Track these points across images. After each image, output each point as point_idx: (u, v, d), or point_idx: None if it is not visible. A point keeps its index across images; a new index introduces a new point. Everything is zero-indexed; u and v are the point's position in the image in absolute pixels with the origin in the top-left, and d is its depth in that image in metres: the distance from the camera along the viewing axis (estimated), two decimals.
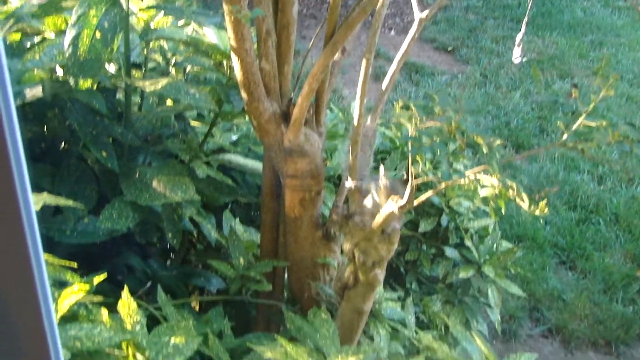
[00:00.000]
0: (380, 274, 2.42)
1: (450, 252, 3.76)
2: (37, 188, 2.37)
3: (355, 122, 2.28)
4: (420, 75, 8.66)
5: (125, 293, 2.11)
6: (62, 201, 2.00)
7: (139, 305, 2.53)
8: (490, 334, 5.24)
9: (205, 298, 3.15)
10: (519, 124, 7.72)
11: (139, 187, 2.62)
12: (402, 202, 2.06)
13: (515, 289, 3.82)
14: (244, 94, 2.46)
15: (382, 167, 2.24)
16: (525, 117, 7.86)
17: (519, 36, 6.54)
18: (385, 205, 2.16)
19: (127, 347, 1.95)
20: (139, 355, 1.94)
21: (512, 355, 2.20)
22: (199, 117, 3.55)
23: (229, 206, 3.63)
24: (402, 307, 3.52)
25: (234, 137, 3.48)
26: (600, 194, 6.75)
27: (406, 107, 2.00)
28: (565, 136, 1.90)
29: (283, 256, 2.90)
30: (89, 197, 2.66)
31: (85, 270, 2.19)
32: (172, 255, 3.35)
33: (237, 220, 3.26)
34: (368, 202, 2.29)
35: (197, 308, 3.27)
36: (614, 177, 7.03)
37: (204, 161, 3.05)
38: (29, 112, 2.72)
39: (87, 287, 1.91)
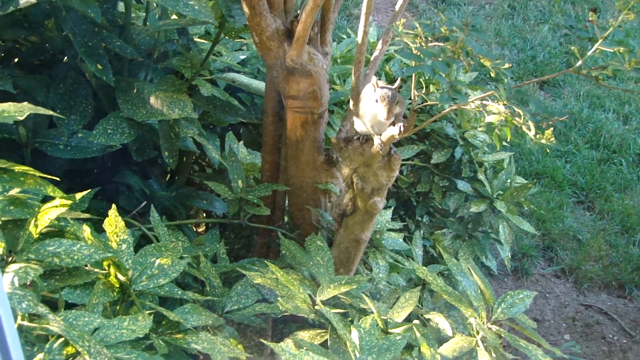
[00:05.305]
0: (380, 202, 2.32)
1: (462, 185, 3.66)
2: (29, 99, 2.28)
3: (359, 40, 2.15)
4: (446, 5, 8.40)
5: (113, 211, 2.03)
6: (41, 110, 1.90)
7: (131, 225, 2.46)
8: (502, 271, 5.17)
9: (201, 220, 3.09)
10: (545, 59, 7.50)
11: (135, 103, 2.53)
12: (403, 125, 1.95)
13: (527, 226, 3.72)
14: (245, 8, 2.34)
15: (374, 78, 2.11)
16: (552, 51, 7.63)
17: None
18: (384, 113, 2.03)
19: (108, 266, 1.88)
20: (120, 276, 1.87)
21: (510, 292, 2.12)
22: (207, 35, 3.43)
23: (240, 130, 3.53)
24: (410, 239, 3.44)
25: (242, 57, 3.36)
26: (625, 133, 6.56)
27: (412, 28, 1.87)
28: (579, 62, 1.77)
29: (284, 181, 2.80)
30: (84, 112, 2.57)
31: (83, 189, 2.10)
32: (176, 177, 3.28)
33: (242, 142, 3.16)
34: (365, 108, 2.16)
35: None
36: None
37: (207, 79, 2.94)
38: (24, 21, 2.62)
39: (69, 202, 1.83)
